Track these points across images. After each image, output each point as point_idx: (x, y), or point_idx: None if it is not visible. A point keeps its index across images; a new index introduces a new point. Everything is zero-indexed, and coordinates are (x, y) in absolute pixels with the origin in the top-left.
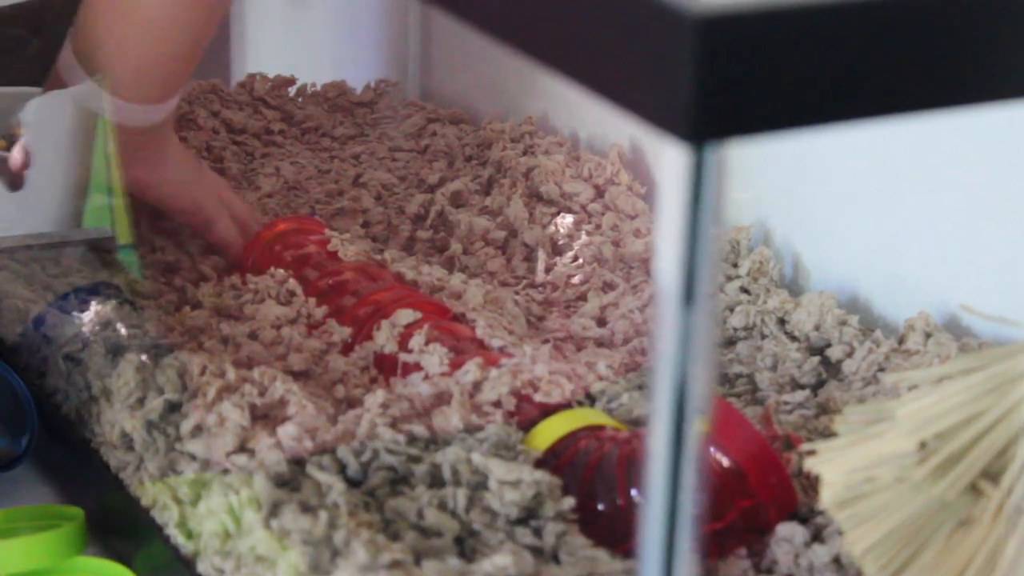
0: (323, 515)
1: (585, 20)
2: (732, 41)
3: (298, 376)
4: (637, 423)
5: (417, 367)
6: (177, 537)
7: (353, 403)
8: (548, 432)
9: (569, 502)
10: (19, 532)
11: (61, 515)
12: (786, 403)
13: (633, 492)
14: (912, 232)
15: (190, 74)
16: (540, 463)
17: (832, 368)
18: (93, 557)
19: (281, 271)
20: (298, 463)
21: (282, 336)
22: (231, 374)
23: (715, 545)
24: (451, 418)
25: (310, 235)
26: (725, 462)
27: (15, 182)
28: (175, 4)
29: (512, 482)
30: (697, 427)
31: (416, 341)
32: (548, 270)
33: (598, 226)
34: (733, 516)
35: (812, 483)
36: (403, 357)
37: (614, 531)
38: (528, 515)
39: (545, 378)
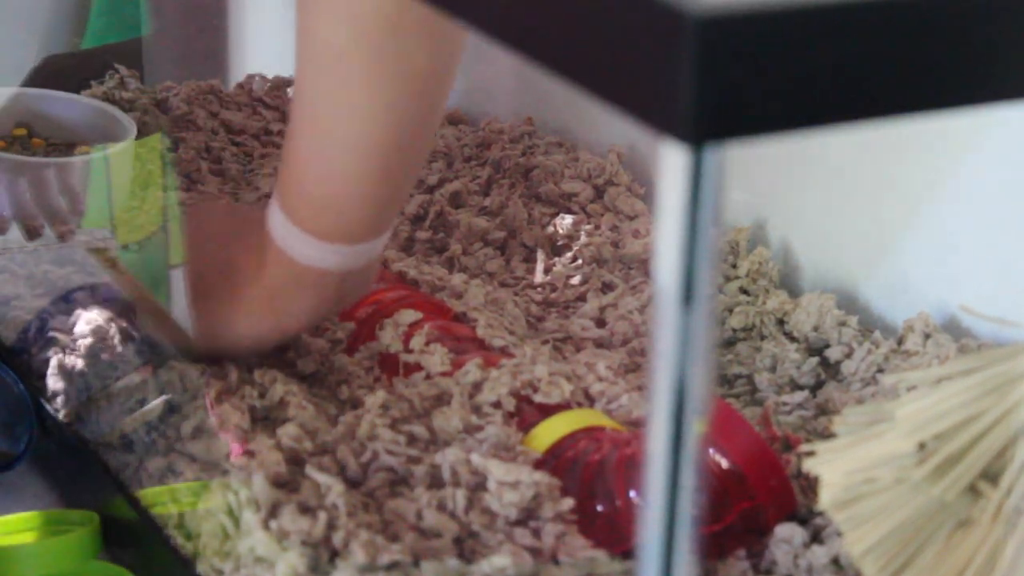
0: (322, 516)
1: (584, 20)
2: (732, 41)
3: (305, 378)
4: (636, 424)
5: (418, 367)
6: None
7: (358, 404)
8: (547, 433)
9: (568, 503)
10: (33, 537)
11: (74, 520)
12: (785, 404)
13: (632, 493)
14: (911, 232)
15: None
16: (539, 464)
17: (831, 369)
18: (99, 561)
19: None
20: (297, 464)
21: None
22: (232, 375)
23: (714, 546)
24: (451, 419)
25: None
26: (724, 463)
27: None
28: (387, 128)
29: (511, 483)
30: (696, 428)
31: (417, 341)
32: (547, 270)
33: (597, 226)
34: (732, 517)
35: (811, 484)
36: (404, 357)
37: (613, 532)
38: (527, 516)
39: (545, 379)
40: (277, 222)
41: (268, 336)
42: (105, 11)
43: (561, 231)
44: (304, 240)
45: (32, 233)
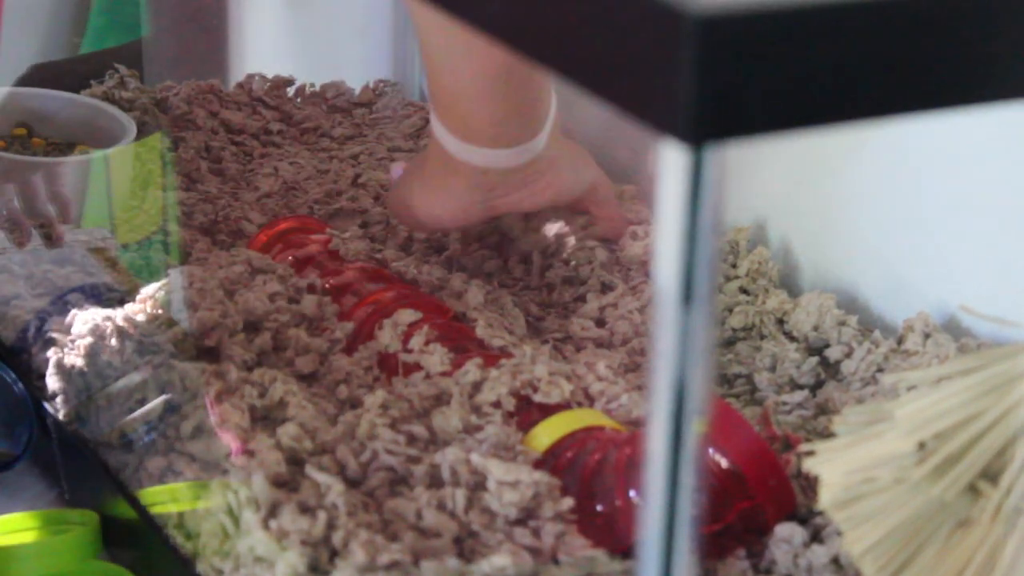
0: (322, 516)
1: (584, 20)
2: (732, 41)
3: (304, 377)
4: (636, 424)
5: (417, 367)
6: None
7: (357, 404)
8: (547, 433)
9: (568, 503)
10: (33, 536)
11: (73, 519)
12: (785, 404)
13: (632, 493)
14: (911, 232)
15: (549, 104)
16: (539, 464)
17: (831, 368)
18: (98, 560)
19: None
20: (297, 463)
21: (289, 337)
22: (232, 375)
23: (714, 546)
24: (450, 419)
25: (311, 234)
26: (724, 463)
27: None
28: (495, 62)
29: (511, 483)
30: (696, 428)
31: (416, 341)
32: (542, 272)
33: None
34: (732, 517)
35: (811, 484)
36: (403, 357)
37: (613, 532)
38: (527, 516)
39: (544, 379)
40: (434, 122)
41: (438, 210)
42: (105, 11)
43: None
44: (447, 136)
45: (19, 237)
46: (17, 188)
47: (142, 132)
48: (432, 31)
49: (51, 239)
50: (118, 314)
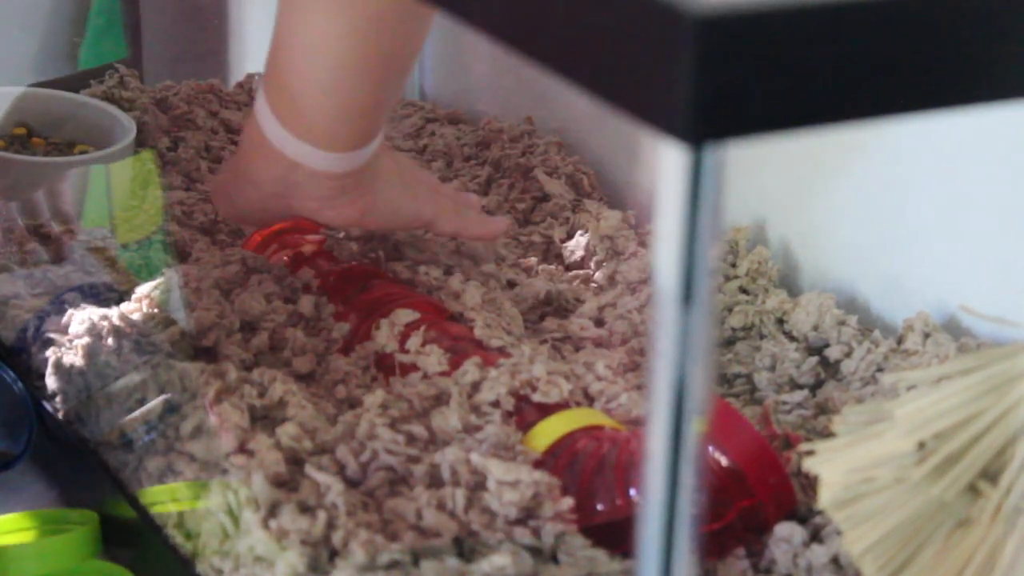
0: (322, 515)
1: (584, 20)
2: (732, 41)
3: (301, 377)
4: (636, 423)
5: (414, 368)
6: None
7: (355, 404)
8: (547, 432)
9: (568, 502)
10: (32, 536)
11: (73, 519)
12: (784, 403)
13: (632, 492)
14: (911, 232)
15: (386, 112)
16: (539, 463)
17: (831, 368)
18: (98, 560)
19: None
20: (297, 463)
21: (286, 337)
22: (232, 375)
23: (714, 545)
24: (450, 419)
25: (305, 234)
26: (724, 462)
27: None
28: (353, 55)
29: (511, 482)
30: (696, 427)
31: (413, 342)
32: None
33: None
34: (732, 516)
35: (811, 483)
36: (401, 358)
37: (613, 531)
38: (527, 515)
39: (543, 378)
40: (259, 103)
41: (234, 196)
42: (105, 11)
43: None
44: (269, 119)
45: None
46: (18, 202)
47: (142, 132)
48: (298, 11)
49: (56, 252)
50: (115, 313)
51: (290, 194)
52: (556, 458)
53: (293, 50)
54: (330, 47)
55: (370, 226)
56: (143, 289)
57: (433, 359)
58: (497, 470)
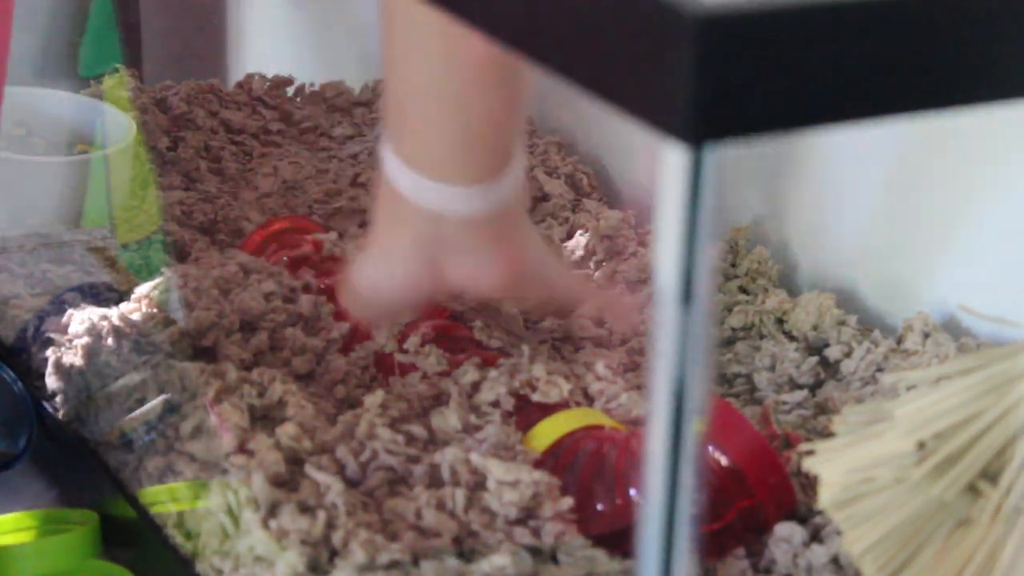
0: (321, 515)
1: (583, 19)
2: (732, 41)
3: (300, 377)
4: (636, 423)
5: (413, 367)
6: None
7: (354, 403)
8: (547, 432)
9: (568, 502)
10: (32, 535)
11: (73, 519)
12: (784, 403)
13: (632, 492)
14: (911, 231)
15: (519, 133)
16: (539, 463)
17: (830, 368)
18: (98, 560)
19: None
20: (297, 463)
21: (286, 337)
22: (231, 375)
23: (714, 545)
24: (449, 419)
25: (305, 235)
26: (724, 462)
27: None
28: (469, 70)
29: (511, 482)
30: (695, 427)
31: (412, 342)
32: None
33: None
34: (732, 516)
35: (811, 483)
36: (400, 358)
37: (613, 531)
38: (527, 515)
39: (543, 378)
40: (384, 159)
41: (382, 278)
42: (105, 10)
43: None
44: (399, 170)
45: None
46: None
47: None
48: (398, 26)
49: None
50: (115, 313)
51: (440, 256)
52: (556, 458)
53: (407, 81)
54: (445, 61)
55: (526, 295)
56: (143, 289)
57: (432, 359)
58: (497, 470)
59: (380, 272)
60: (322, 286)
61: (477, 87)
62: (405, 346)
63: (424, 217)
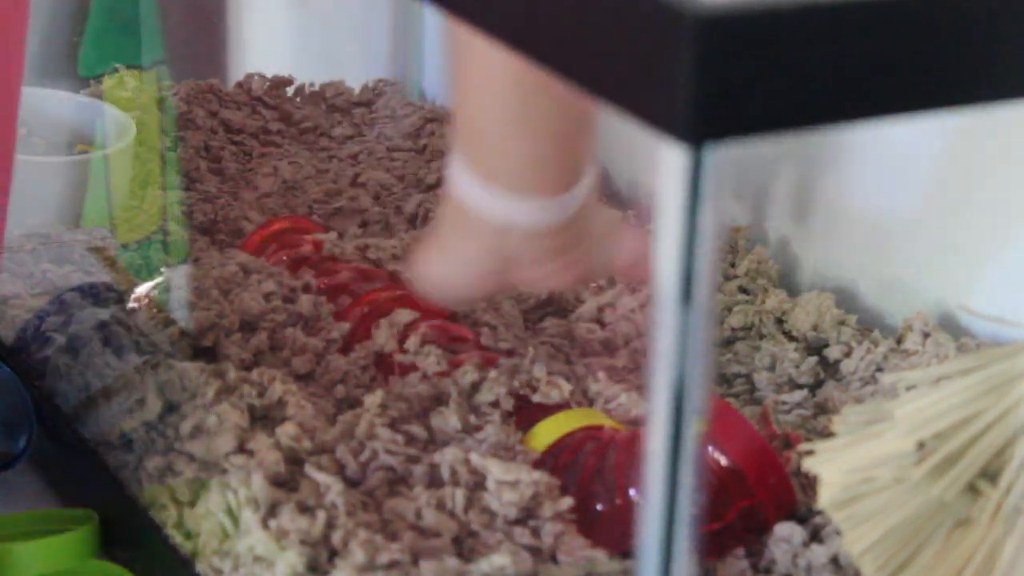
0: (321, 515)
1: (584, 20)
2: (732, 41)
3: (300, 377)
4: (636, 423)
5: (413, 367)
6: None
7: (354, 403)
8: (546, 432)
9: (567, 502)
10: (32, 535)
11: (72, 518)
12: (784, 403)
13: (631, 492)
14: (910, 231)
15: (591, 151)
16: (539, 463)
17: (830, 368)
18: (98, 560)
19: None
20: (296, 463)
21: (286, 337)
22: (231, 375)
23: (714, 545)
24: (449, 419)
25: (305, 235)
26: (724, 462)
27: None
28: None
29: (511, 482)
30: (695, 427)
31: (412, 342)
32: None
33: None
34: (732, 516)
35: (811, 483)
36: (399, 357)
37: (612, 531)
38: (527, 515)
39: (543, 378)
40: (453, 168)
41: (450, 280)
42: (105, 10)
43: None
44: (468, 180)
45: None
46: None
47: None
48: (474, 58)
49: None
50: (114, 313)
51: (509, 265)
52: (556, 458)
53: (484, 107)
54: (518, 87)
55: (589, 282)
56: (143, 289)
57: (432, 359)
58: (497, 470)
59: (446, 273)
60: (322, 286)
61: (548, 110)
62: (405, 346)
63: (491, 232)
